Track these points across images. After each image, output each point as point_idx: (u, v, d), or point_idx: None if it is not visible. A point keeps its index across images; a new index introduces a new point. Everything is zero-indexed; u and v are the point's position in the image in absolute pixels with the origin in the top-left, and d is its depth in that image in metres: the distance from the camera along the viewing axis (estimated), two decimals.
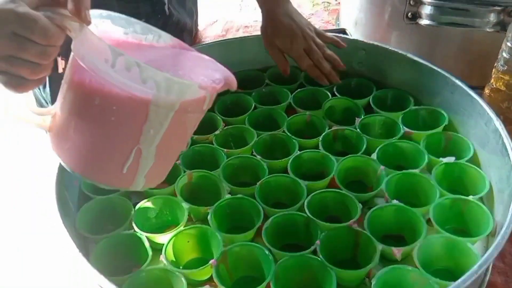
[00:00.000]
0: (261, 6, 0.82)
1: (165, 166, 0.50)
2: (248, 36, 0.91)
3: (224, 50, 0.83)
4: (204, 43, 0.96)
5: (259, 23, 0.82)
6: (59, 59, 0.76)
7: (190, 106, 0.45)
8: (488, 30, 0.78)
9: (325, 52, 0.79)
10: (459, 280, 0.43)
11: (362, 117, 0.73)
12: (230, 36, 1.09)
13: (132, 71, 0.41)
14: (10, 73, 0.41)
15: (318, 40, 0.79)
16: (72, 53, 0.44)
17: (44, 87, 0.81)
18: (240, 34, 1.11)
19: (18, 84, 0.42)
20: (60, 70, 0.78)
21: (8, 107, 0.44)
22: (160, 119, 0.44)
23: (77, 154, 0.45)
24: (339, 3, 1.20)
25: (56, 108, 0.46)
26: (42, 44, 0.41)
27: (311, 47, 0.78)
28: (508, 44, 0.68)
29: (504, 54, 0.70)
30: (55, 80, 0.77)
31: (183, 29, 0.95)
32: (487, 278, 0.55)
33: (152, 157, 0.46)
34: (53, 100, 0.80)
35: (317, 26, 0.83)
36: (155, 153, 0.46)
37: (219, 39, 0.87)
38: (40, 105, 0.88)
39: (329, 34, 0.81)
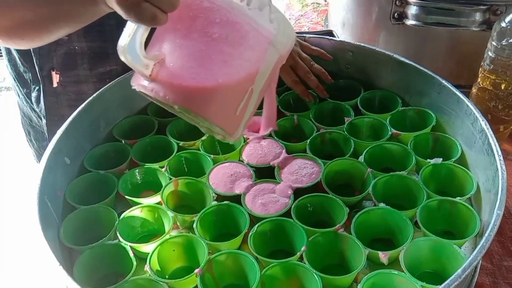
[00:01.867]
0: None
1: (249, 118, 0.52)
2: None
3: None
4: None
5: None
6: (53, 73, 0.75)
7: (285, 54, 0.49)
8: (474, 29, 0.78)
9: (312, 66, 0.78)
10: (442, 285, 0.43)
11: (352, 117, 0.73)
12: None
13: (264, 10, 0.45)
14: (150, 2, 0.42)
15: (304, 55, 0.78)
16: (189, 0, 0.45)
17: (38, 102, 0.79)
18: None
19: (154, 16, 0.42)
20: (55, 84, 0.78)
21: (124, 45, 0.44)
22: (271, 60, 0.48)
23: (197, 94, 0.46)
24: (328, 4, 1.20)
25: (163, 55, 0.46)
26: None
27: (297, 62, 0.77)
28: (494, 43, 0.68)
29: (490, 53, 0.69)
30: (49, 95, 0.77)
31: None
32: (475, 279, 0.55)
33: (254, 102, 0.49)
34: (48, 115, 0.79)
35: (306, 28, 0.83)
36: (256, 99, 0.49)
37: None
38: (30, 120, 0.86)
39: (314, 47, 0.80)
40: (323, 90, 0.77)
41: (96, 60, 0.74)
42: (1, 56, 0.82)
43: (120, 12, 0.43)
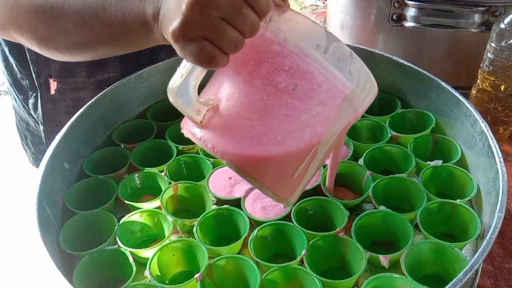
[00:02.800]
0: None
1: (309, 181, 0.46)
2: None
3: None
4: None
5: None
6: (51, 80, 0.75)
7: (361, 112, 0.43)
8: (473, 30, 0.78)
9: None
10: None
11: None
12: None
13: (342, 60, 0.39)
14: (210, 41, 0.37)
15: None
16: (256, 41, 0.40)
17: (35, 109, 0.79)
18: None
19: (213, 57, 0.37)
20: (52, 92, 0.78)
21: (175, 86, 0.39)
22: (343, 118, 0.41)
23: (249, 150, 0.40)
24: (326, 6, 1.20)
25: (218, 101, 0.41)
26: (259, 7, 0.36)
27: None
28: (493, 44, 0.68)
29: (489, 55, 0.69)
30: (46, 101, 0.77)
31: None
32: (476, 282, 0.55)
33: (317, 164, 0.42)
34: (45, 121, 0.79)
35: None
36: (320, 160, 0.42)
37: None
38: (27, 125, 0.86)
39: None
40: None
41: (94, 68, 0.74)
42: None
43: (175, 48, 0.39)
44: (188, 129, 0.43)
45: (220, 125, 0.40)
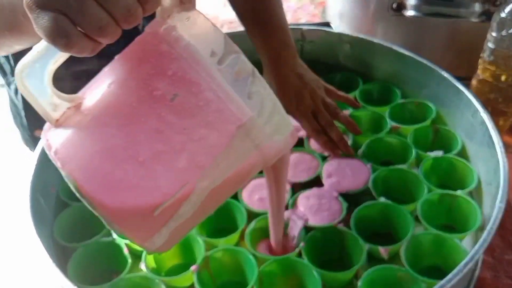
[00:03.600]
0: (262, 55, 0.67)
1: (191, 226, 0.37)
2: (232, 32, 0.90)
3: None
4: None
5: None
6: None
7: (269, 154, 0.35)
8: (474, 20, 0.77)
9: (338, 114, 0.67)
10: (444, 280, 0.42)
11: (350, 110, 0.72)
12: None
13: (240, 77, 0.32)
14: (68, 16, 0.29)
15: (329, 100, 0.67)
16: (147, 38, 0.34)
17: (16, 94, 0.77)
18: (225, 30, 1.09)
19: (68, 36, 0.29)
20: None
21: (21, 63, 0.31)
22: (238, 152, 0.33)
23: (96, 164, 0.31)
24: None
25: (83, 99, 0.34)
26: None
27: (320, 109, 0.65)
28: (493, 34, 0.67)
29: (490, 45, 0.68)
30: None
31: None
32: (477, 273, 0.54)
33: (195, 204, 0.33)
34: (25, 107, 0.77)
35: (303, 20, 0.81)
36: (202, 200, 0.33)
37: None
38: (15, 106, 0.85)
39: (340, 92, 0.70)
40: (346, 145, 0.65)
41: (71, 60, 0.72)
42: None
43: (32, 21, 0.30)
44: (44, 127, 0.35)
45: (73, 128, 0.32)
